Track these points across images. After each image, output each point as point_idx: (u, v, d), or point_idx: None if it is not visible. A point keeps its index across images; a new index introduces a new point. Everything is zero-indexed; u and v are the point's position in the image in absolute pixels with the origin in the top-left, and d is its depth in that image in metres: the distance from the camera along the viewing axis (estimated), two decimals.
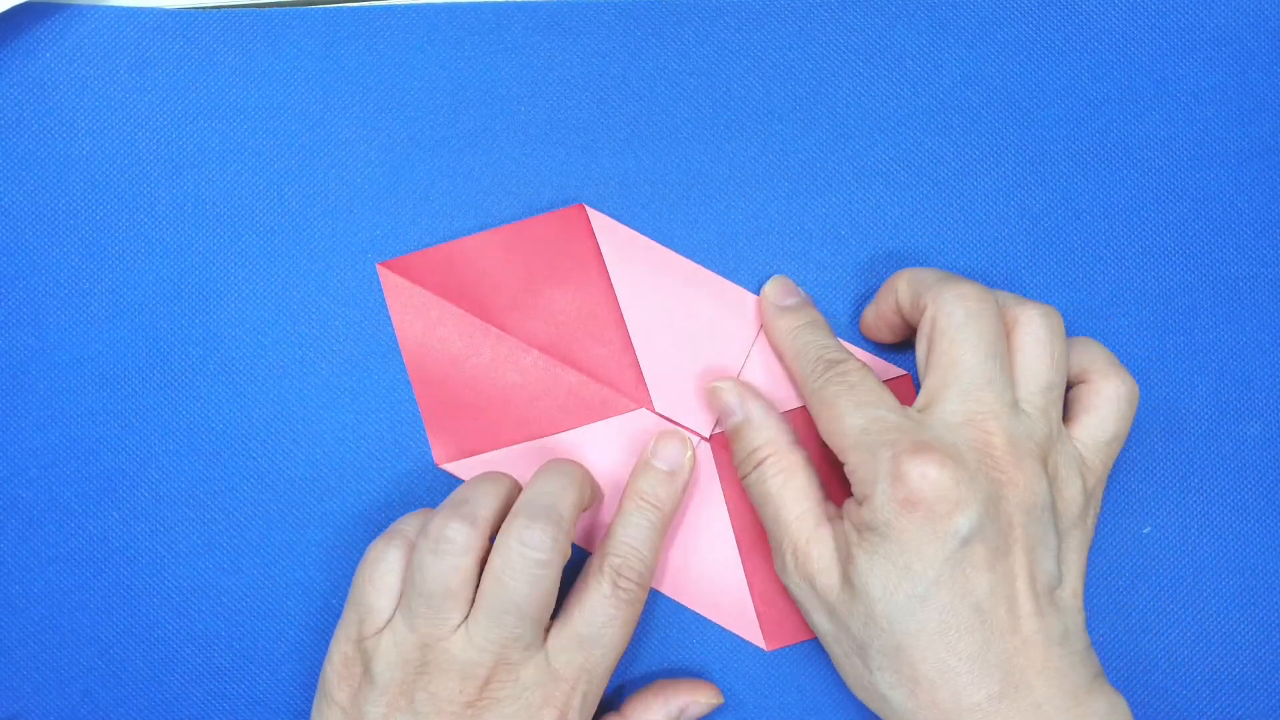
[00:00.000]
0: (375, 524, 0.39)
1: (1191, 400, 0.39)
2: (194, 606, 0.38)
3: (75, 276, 0.39)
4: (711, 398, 0.37)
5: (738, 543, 0.38)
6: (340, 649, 0.34)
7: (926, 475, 0.31)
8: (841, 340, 0.37)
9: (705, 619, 0.38)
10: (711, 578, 0.38)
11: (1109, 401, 0.34)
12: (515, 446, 0.38)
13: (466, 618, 0.33)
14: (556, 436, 0.38)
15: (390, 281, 0.39)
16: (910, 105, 0.40)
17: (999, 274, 0.39)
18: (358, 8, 0.40)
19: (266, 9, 0.40)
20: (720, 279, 0.38)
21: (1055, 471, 0.33)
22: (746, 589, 0.38)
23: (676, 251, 0.39)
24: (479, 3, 0.40)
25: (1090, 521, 0.34)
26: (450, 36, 0.40)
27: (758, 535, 0.38)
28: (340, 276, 0.39)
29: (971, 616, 0.31)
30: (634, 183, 0.40)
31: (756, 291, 0.39)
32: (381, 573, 0.34)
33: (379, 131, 0.40)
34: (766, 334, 0.38)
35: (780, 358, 0.38)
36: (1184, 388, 0.39)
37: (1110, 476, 0.39)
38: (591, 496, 0.36)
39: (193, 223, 0.40)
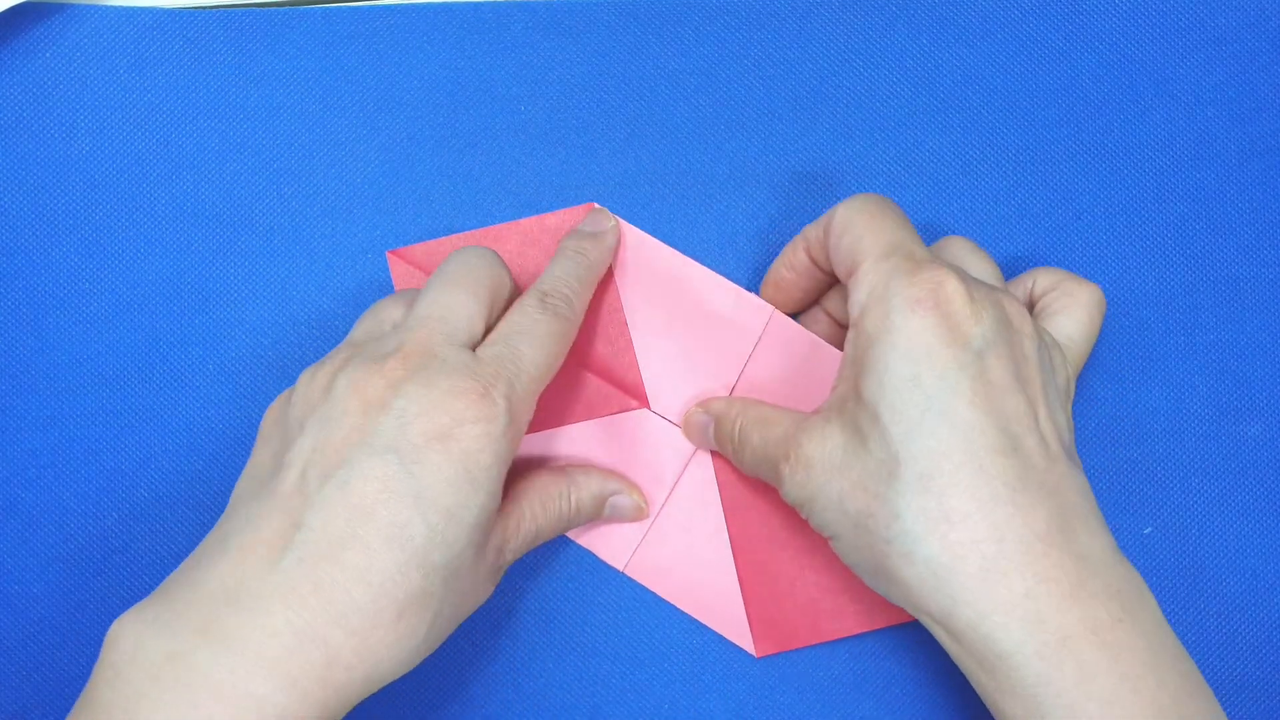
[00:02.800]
0: None
1: (1192, 400, 0.39)
2: None
3: (75, 276, 0.39)
4: (688, 430, 0.38)
5: (733, 549, 0.38)
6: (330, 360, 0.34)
7: (943, 283, 0.30)
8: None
9: (698, 622, 0.38)
10: (706, 582, 0.38)
11: (1081, 304, 0.34)
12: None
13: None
14: (557, 430, 0.38)
15: (400, 270, 0.39)
16: (911, 105, 0.40)
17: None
18: (357, 7, 0.40)
19: (266, 9, 0.40)
20: (726, 281, 0.38)
21: (1023, 359, 0.31)
22: (739, 595, 0.38)
23: (679, 251, 0.39)
24: (479, 2, 0.40)
25: (1069, 402, 0.33)
26: (450, 36, 0.40)
27: (753, 541, 0.38)
28: (340, 276, 0.39)
29: (1000, 437, 0.29)
30: (634, 182, 0.40)
31: (759, 293, 0.39)
32: (395, 300, 0.35)
33: (379, 131, 0.40)
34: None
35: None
36: (1185, 388, 0.39)
37: (1110, 477, 0.39)
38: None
39: (192, 223, 0.39)
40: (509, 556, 0.34)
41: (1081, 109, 0.40)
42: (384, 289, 0.39)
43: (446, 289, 0.33)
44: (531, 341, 0.33)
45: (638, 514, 0.38)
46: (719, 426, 0.36)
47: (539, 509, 0.35)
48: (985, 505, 0.28)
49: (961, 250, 0.35)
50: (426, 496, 0.30)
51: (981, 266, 0.35)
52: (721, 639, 0.38)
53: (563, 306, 0.34)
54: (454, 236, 0.39)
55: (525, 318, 0.33)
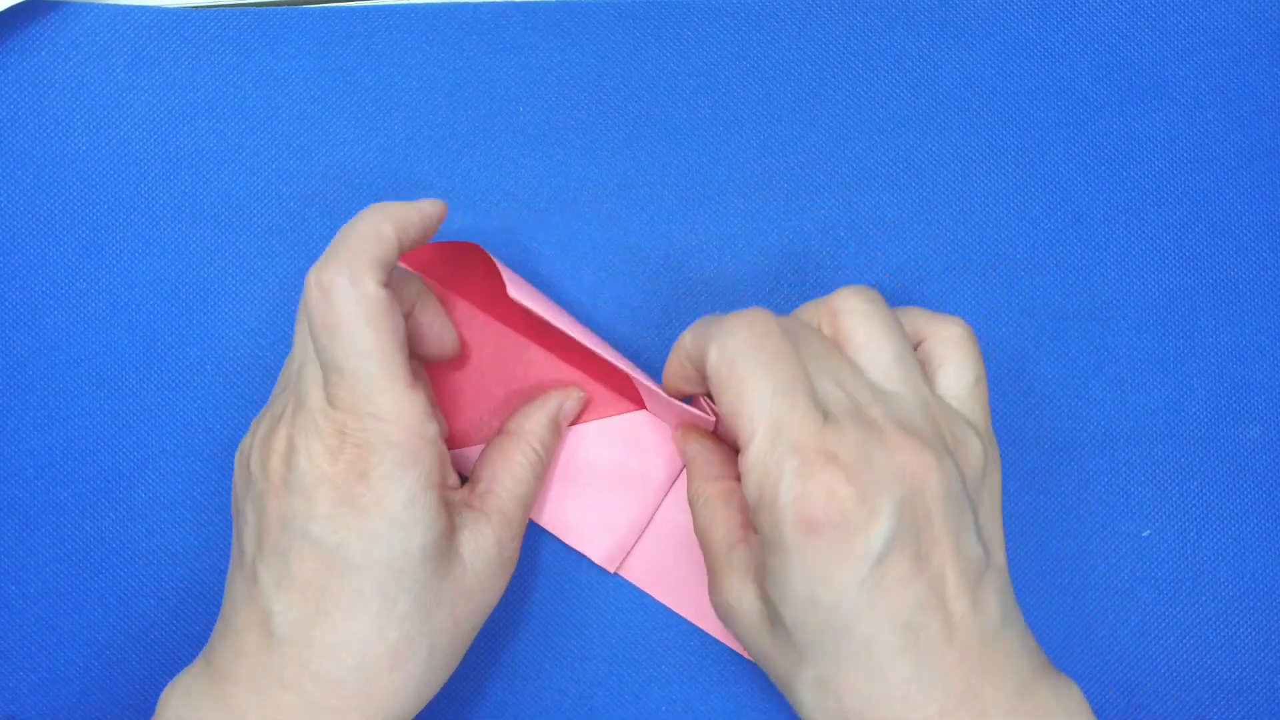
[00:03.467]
0: None
1: (1191, 403, 0.39)
2: (190, 608, 0.38)
3: (72, 276, 0.39)
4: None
5: None
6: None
7: (834, 491, 0.28)
8: None
9: (694, 625, 0.38)
10: (700, 585, 0.38)
11: (954, 345, 0.32)
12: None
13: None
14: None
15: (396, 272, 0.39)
16: (910, 106, 0.40)
17: (998, 275, 0.39)
18: (355, 7, 0.40)
19: (264, 8, 0.40)
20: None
21: (950, 438, 0.30)
22: None
23: (676, 253, 0.39)
24: (477, 3, 0.40)
25: (994, 476, 0.31)
26: (448, 37, 0.40)
27: None
28: None
29: (899, 639, 0.28)
30: (633, 183, 0.40)
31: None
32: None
33: (376, 131, 0.40)
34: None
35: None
36: (1184, 390, 0.39)
37: (1108, 479, 0.39)
38: (411, 226, 0.32)
39: (190, 222, 0.39)
40: (510, 545, 0.34)
41: (1081, 111, 0.40)
42: None
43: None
44: (342, 343, 0.30)
45: (583, 404, 0.37)
46: (688, 469, 0.36)
47: (509, 482, 0.35)
48: (881, 703, 0.28)
49: (918, 320, 0.33)
50: (362, 561, 0.30)
51: (938, 332, 0.32)
52: (717, 642, 0.38)
53: (344, 282, 0.30)
54: (450, 243, 0.38)
55: (314, 313, 0.30)
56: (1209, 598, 0.38)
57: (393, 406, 0.30)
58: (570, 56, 0.40)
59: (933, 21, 0.40)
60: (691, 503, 0.35)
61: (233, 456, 0.38)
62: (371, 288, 0.30)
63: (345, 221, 0.39)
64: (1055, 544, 0.39)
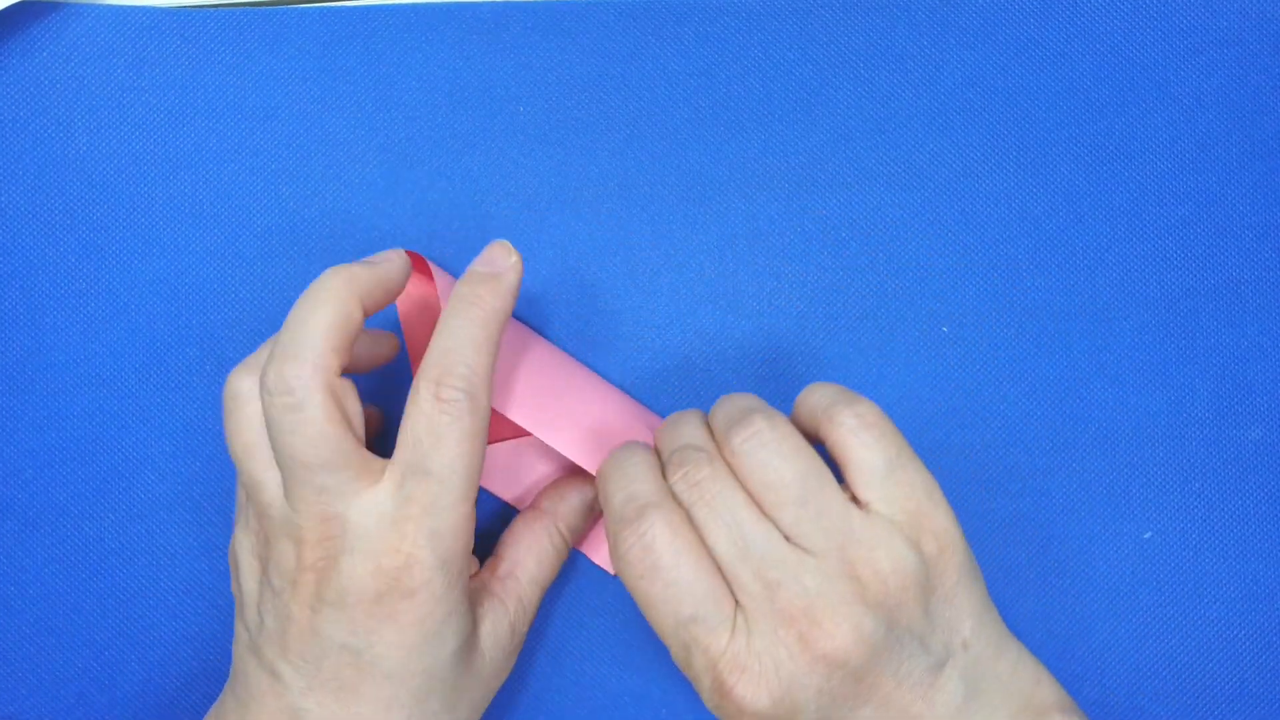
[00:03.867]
0: None
1: (1193, 404, 0.39)
2: (190, 609, 0.38)
3: (72, 277, 0.39)
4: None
5: None
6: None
7: (739, 700, 0.30)
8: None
9: None
10: None
11: (850, 438, 0.31)
12: (522, 439, 0.38)
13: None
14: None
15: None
16: (911, 107, 0.40)
17: (1000, 277, 0.39)
18: (355, 7, 0.40)
19: (264, 8, 0.40)
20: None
21: (872, 579, 0.30)
22: None
23: (677, 253, 0.39)
24: (477, 2, 0.40)
25: (948, 558, 0.31)
26: (449, 36, 0.40)
27: None
28: None
29: None
30: (633, 183, 0.40)
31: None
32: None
33: (377, 131, 0.40)
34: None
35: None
36: (1185, 392, 0.39)
37: (1110, 480, 0.38)
38: (377, 293, 0.32)
39: (190, 222, 0.39)
40: (523, 630, 0.34)
41: (1082, 111, 0.40)
42: None
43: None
44: (442, 463, 0.30)
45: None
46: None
47: (533, 566, 0.35)
48: None
49: (817, 418, 0.32)
50: (397, 669, 0.30)
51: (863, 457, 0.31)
52: None
53: (465, 400, 0.30)
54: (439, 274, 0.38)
55: (424, 429, 0.30)
56: (1210, 600, 0.38)
57: (451, 527, 0.30)
58: (570, 56, 0.40)
59: (934, 21, 0.40)
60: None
61: (230, 458, 0.38)
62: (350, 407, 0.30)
63: (344, 222, 0.39)
64: (1056, 545, 0.38)
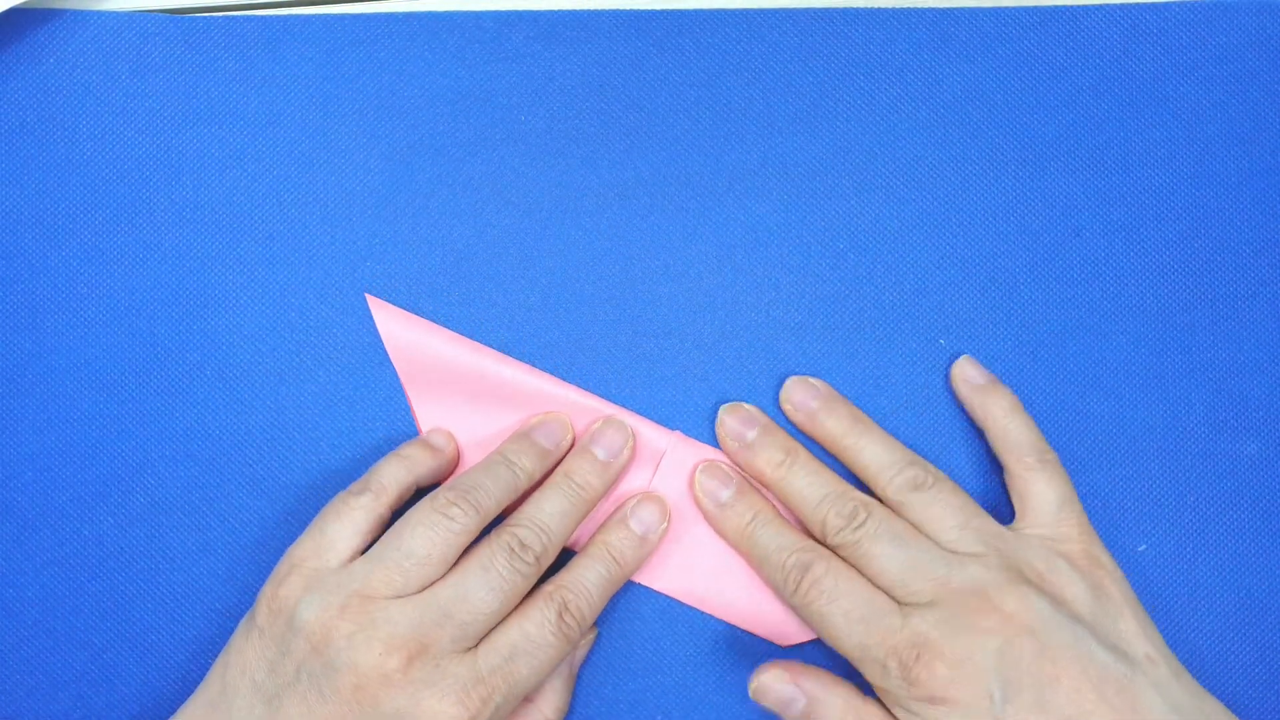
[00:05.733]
0: None
1: (1188, 418, 0.39)
2: (188, 612, 0.38)
3: (74, 280, 0.39)
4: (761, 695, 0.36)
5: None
6: (281, 571, 0.34)
7: (936, 673, 0.32)
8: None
9: (693, 633, 0.38)
10: (722, 578, 0.38)
11: (1033, 477, 0.36)
12: None
13: (422, 590, 0.33)
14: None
15: (380, 307, 0.39)
16: (911, 119, 0.40)
17: (996, 288, 0.39)
18: (359, 15, 0.40)
19: (267, 15, 0.40)
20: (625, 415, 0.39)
21: (1033, 574, 0.33)
22: (760, 587, 0.38)
23: (677, 262, 0.39)
24: (480, 11, 0.40)
25: (1110, 585, 0.34)
26: (451, 44, 0.40)
27: None
28: (338, 283, 0.39)
29: None
30: (633, 193, 0.40)
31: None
32: (346, 516, 0.35)
33: (379, 138, 0.40)
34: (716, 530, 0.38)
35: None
36: (1181, 405, 0.39)
37: (1105, 493, 0.39)
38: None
39: (191, 228, 0.40)
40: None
41: (1081, 124, 0.40)
42: (382, 294, 0.39)
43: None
44: (535, 663, 0.33)
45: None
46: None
47: (561, 689, 0.36)
48: None
49: (1002, 451, 0.37)
50: None
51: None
52: (715, 651, 0.38)
53: (575, 630, 0.34)
54: (445, 331, 0.39)
55: (538, 635, 0.33)
56: (1205, 612, 0.38)
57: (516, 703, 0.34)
58: (572, 65, 0.40)
59: (934, 34, 0.40)
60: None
61: (232, 461, 0.39)
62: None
63: (345, 228, 0.39)
64: None
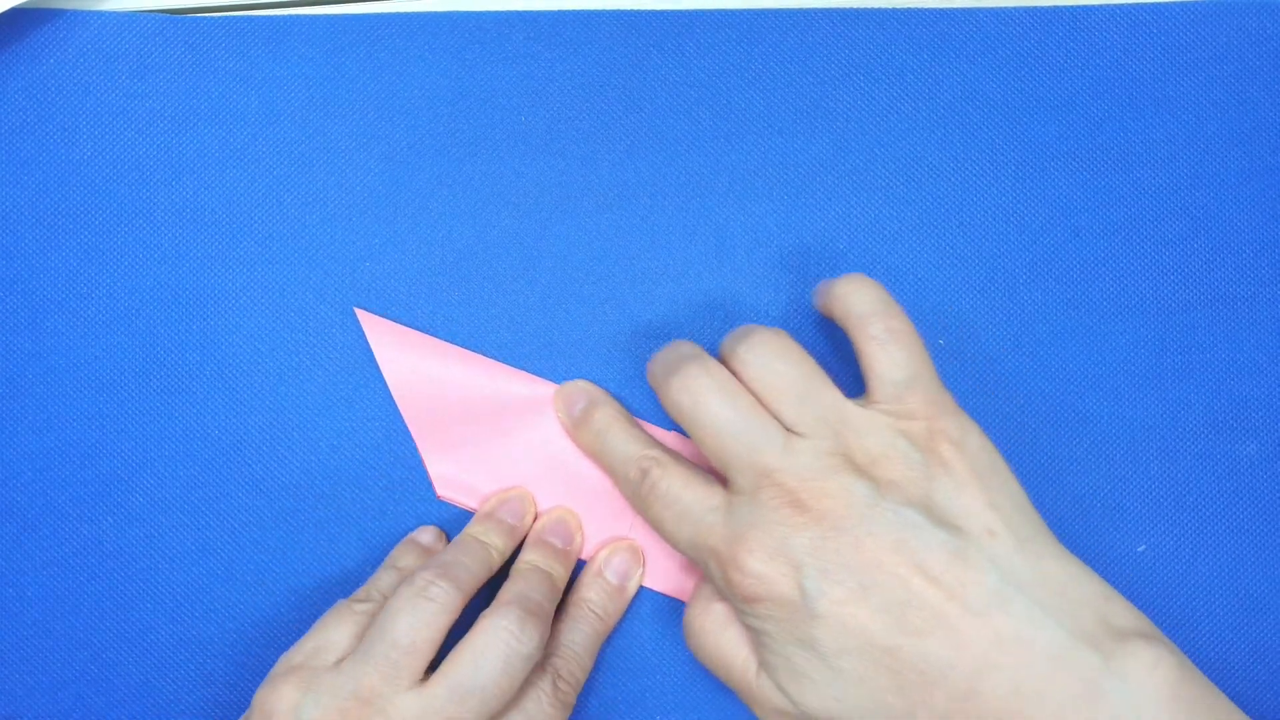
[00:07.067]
0: (370, 530, 0.39)
1: (1188, 418, 0.39)
2: (187, 612, 0.38)
3: (73, 280, 0.39)
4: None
5: None
6: (277, 672, 0.34)
7: (745, 568, 0.31)
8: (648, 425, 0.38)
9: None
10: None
11: (879, 346, 0.33)
12: (517, 467, 0.38)
13: (420, 683, 0.32)
14: (558, 458, 0.38)
15: (370, 321, 0.39)
16: (910, 119, 0.40)
17: (996, 289, 0.39)
18: (359, 15, 0.40)
19: (267, 15, 0.40)
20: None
21: (864, 458, 0.32)
22: None
23: (676, 263, 0.39)
24: (480, 12, 0.40)
25: (952, 451, 0.32)
26: (451, 45, 0.40)
27: None
28: (338, 283, 0.39)
29: (888, 660, 0.30)
30: (633, 193, 0.40)
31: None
32: (347, 619, 0.35)
33: (379, 139, 0.40)
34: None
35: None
36: (1181, 405, 0.39)
37: (1104, 494, 0.39)
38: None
39: (191, 228, 0.40)
40: None
41: (1080, 124, 0.40)
42: (382, 295, 0.39)
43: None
44: None
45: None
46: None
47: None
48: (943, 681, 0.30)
49: (847, 318, 0.34)
50: None
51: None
52: None
53: (571, 695, 0.35)
54: (435, 340, 0.39)
55: (536, 707, 0.34)
56: (1204, 613, 0.38)
57: None
58: (572, 66, 0.40)
59: (933, 34, 0.40)
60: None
61: (232, 461, 0.39)
62: None
63: (345, 228, 0.39)
64: None
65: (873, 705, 0.30)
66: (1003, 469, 0.33)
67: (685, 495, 0.33)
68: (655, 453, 0.34)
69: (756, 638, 0.32)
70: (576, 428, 0.37)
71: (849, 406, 0.32)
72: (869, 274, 0.39)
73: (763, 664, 0.32)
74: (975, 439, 0.32)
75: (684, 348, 0.34)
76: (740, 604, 0.32)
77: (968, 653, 0.30)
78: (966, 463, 0.32)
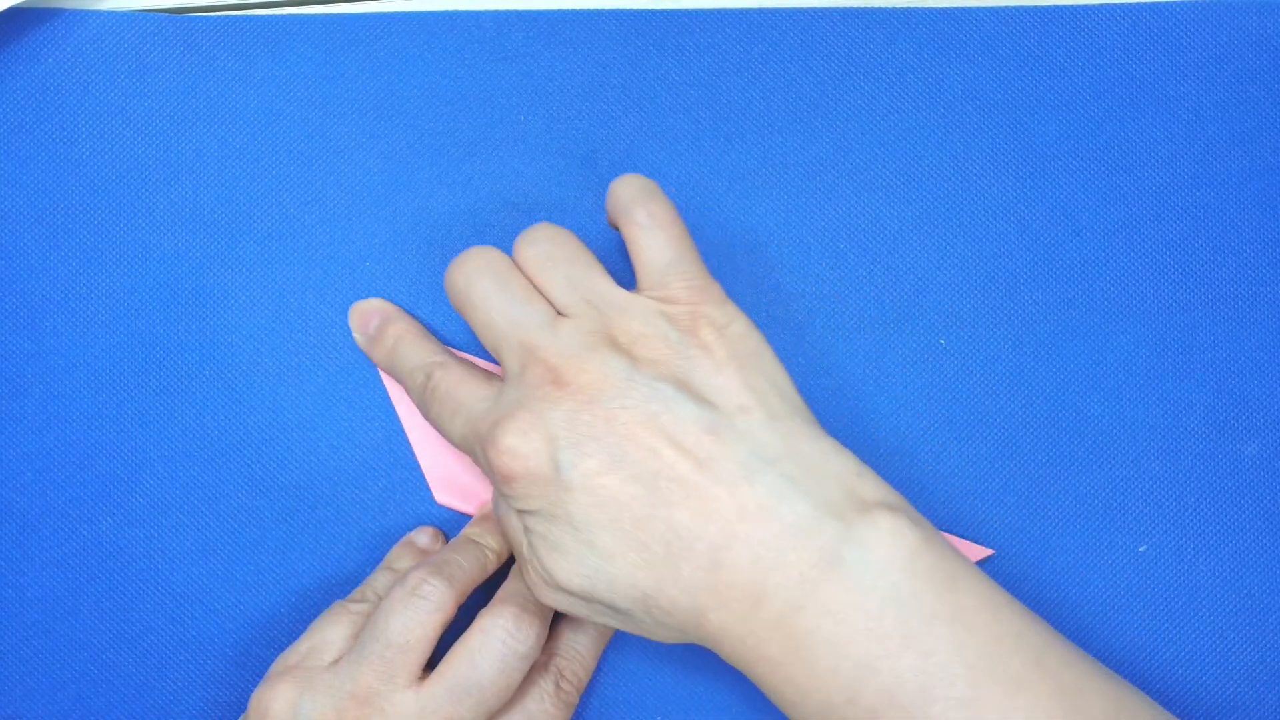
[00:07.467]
0: (369, 531, 0.39)
1: (1189, 418, 0.39)
2: (187, 612, 0.38)
3: (73, 280, 0.39)
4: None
5: None
6: (273, 673, 0.34)
7: (501, 446, 0.31)
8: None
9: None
10: None
11: (642, 232, 0.33)
12: None
13: (418, 682, 0.32)
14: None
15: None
16: (910, 119, 0.40)
17: (996, 288, 0.39)
18: (358, 14, 0.40)
19: (266, 15, 0.40)
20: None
21: (624, 338, 0.32)
22: None
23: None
24: (479, 11, 0.40)
25: (718, 335, 0.32)
26: (450, 44, 0.40)
27: None
28: (337, 283, 0.39)
29: (638, 533, 0.30)
30: None
31: None
32: (343, 620, 0.35)
33: (378, 139, 0.40)
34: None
35: None
36: (1182, 405, 0.39)
37: (1105, 494, 0.39)
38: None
39: (190, 228, 0.40)
40: None
41: (1081, 124, 0.40)
42: (381, 295, 0.39)
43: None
44: None
45: None
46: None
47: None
48: (667, 599, 0.31)
49: (616, 211, 0.35)
50: None
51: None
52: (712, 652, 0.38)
53: (574, 695, 0.35)
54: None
55: (539, 708, 0.34)
56: (1205, 614, 0.38)
57: None
58: (571, 66, 0.40)
59: (934, 34, 0.40)
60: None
61: (232, 461, 0.39)
62: None
63: (344, 228, 0.39)
64: (1051, 558, 0.39)
65: (624, 580, 0.30)
66: (767, 354, 0.33)
67: (461, 390, 0.34)
68: (440, 358, 0.35)
69: (520, 519, 0.32)
70: (371, 345, 0.38)
71: (616, 290, 0.33)
72: (869, 274, 0.39)
73: (529, 546, 0.32)
74: (739, 326, 0.33)
75: (474, 248, 0.35)
76: (500, 485, 0.31)
77: (713, 525, 0.30)
78: (726, 347, 0.32)
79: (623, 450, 0.30)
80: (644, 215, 0.34)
